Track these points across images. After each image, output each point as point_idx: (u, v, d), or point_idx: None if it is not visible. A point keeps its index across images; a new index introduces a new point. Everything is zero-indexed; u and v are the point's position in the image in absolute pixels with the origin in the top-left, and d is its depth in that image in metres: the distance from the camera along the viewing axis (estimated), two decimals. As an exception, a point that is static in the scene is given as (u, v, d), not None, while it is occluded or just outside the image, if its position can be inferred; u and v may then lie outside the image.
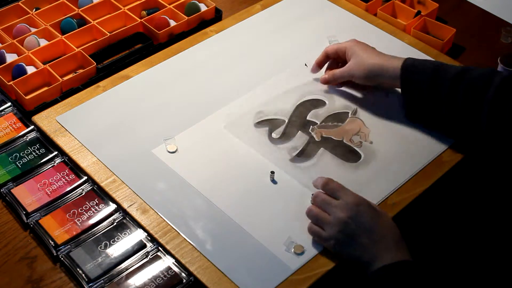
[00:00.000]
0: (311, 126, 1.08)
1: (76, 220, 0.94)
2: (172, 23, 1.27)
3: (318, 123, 1.08)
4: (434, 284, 0.83)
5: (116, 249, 0.91)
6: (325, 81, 1.14)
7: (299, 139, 1.06)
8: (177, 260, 0.89)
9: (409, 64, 1.04)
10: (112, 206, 0.96)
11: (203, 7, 1.31)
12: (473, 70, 1.01)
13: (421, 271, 0.84)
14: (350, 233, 0.88)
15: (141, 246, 0.91)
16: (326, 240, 0.90)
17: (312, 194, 0.94)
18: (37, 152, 1.03)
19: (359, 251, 0.87)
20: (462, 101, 0.99)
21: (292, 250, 0.90)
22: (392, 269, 0.84)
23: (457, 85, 0.99)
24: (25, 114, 1.10)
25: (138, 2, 1.32)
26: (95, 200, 0.97)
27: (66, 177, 0.99)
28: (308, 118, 1.09)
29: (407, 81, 1.03)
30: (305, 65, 1.17)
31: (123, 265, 0.89)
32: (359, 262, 0.87)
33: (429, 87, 1.01)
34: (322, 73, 1.15)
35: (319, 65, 1.16)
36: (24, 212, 0.95)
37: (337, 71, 1.11)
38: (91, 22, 1.25)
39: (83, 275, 0.87)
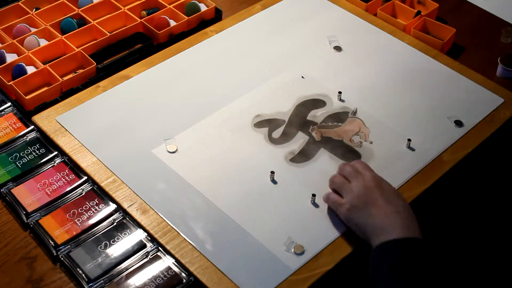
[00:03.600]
0: (311, 126, 1.08)
1: (76, 220, 0.94)
2: (172, 23, 1.27)
3: (318, 123, 1.08)
4: (443, 264, 0.81)
5: (116, 249, 0.91)
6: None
7: (299, 139, 1.06)
8: (177, 260, 0.89)
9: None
10: (112, 206, 0.96)
11: (203, 7, 1.31)
12: None
13: (431, 251, 0.83)
14: (368, 201, 0.88)
15: (141, 246, 0.91)
16: (341, 205, 0.90)
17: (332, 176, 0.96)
18: (37, 152, 1.03)
19: (371, 219, 0.87)
20: None
21: (292, 250, 0.90)
22: (401, 244, 0.83)
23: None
24: (25, 114, 1.10)
25: (138, 2, 1.32)
26: (95, 200, 0.96)
27: (66, 177, 0.99)
28: (308, 118, 1.09)
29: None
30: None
31: (123, 265, 0.89)
32: (367, 232, 0.87)
33: None
34: None
35: None
36: (24, 212, 0.95)
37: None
38: (91, 22, 1.25)
39: (83, 275, 0.87)
